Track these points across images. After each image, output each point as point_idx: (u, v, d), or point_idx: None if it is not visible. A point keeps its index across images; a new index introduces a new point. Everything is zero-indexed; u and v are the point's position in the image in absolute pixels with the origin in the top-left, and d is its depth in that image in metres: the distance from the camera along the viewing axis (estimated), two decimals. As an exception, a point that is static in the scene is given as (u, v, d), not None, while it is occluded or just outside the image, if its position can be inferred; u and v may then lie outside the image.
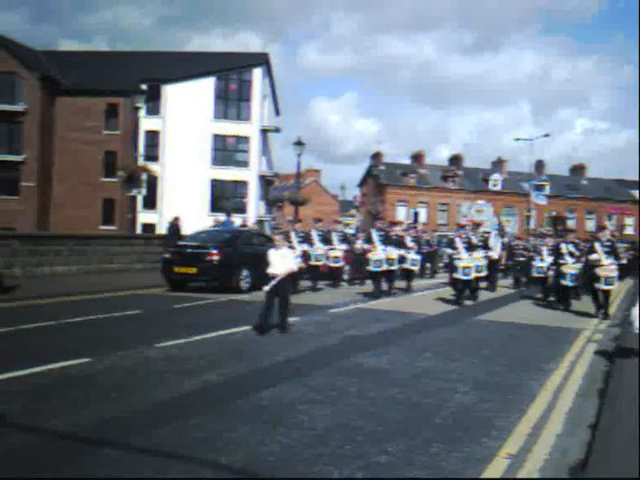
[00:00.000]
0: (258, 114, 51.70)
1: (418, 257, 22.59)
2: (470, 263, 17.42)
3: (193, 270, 17.88)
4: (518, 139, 62.71)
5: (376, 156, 77.43)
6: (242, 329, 12.26)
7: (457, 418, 7.08)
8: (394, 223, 22.23)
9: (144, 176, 45.18)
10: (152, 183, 47.99)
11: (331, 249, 20.68)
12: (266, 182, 55.76)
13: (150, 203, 49.53)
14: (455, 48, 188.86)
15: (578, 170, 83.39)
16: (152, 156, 49.86)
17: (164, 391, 7.63)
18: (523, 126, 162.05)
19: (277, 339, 11.45)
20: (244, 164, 51.51)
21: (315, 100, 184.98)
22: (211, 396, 7.61)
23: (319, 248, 20.17)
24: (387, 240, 18.98)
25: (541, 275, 19.95)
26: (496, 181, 75.94)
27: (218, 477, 5.22)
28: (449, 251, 18.66)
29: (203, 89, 50.49)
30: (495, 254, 22.44)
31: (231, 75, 51.97)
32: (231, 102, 52.01)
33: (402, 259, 20.40)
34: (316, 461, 5.59)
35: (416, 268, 22.66)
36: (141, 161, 47.98)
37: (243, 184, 51.43)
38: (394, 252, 19.10)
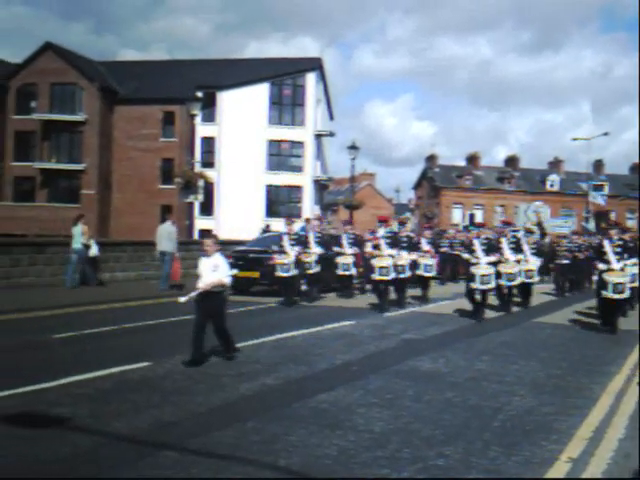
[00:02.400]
0: (312, 119, 51.84)
1: (433, 261, 19.10)
2: (488, 270, 14.67)
3: (255, 274, 18.05)
4: (576, 139, 61.45)
5: (431, 158, 76.89)
6: (299, 332, 12.32)
7: (516, 421, 6.99)
8: (403, 223, 19.89)
9: (201, 182, 45.76)
10: (208, 189, 48.54)
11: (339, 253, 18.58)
12: (320, 186, 55.86)
13: (207, 209, 50.11)
14: (513, 48, 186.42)
15: (638, 169, 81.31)
16: (208, 162, 50.43)
17: (221, 394, 7.72)
18: (583, 125, 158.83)
19: (333, 343, 11.46)
20: (299, 169, 51.70)
21: (370, 103, 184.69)
22: (268, 399, 7.67)
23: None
24: (396, 243, 16.30)
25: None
26: (553, 182, 74.65)
27: (276, 479, 5.25)
28: (465, 256, 15.75)
29: (257, 95, 50.87)
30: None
31: (285, 80, 52.25)
32: (285, 107, 52.30)
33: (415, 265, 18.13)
34: (373, 464, 5.58)
35: (430, 274, 18.98)
36: (197, 168, 48.60)
37: (298, 189, 51.63)
38: (405, 257, 16.60)
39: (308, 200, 51.78)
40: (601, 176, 70.24)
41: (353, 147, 36.12)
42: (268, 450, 5.83)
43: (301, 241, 17.38)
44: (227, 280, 9.48)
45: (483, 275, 14.60)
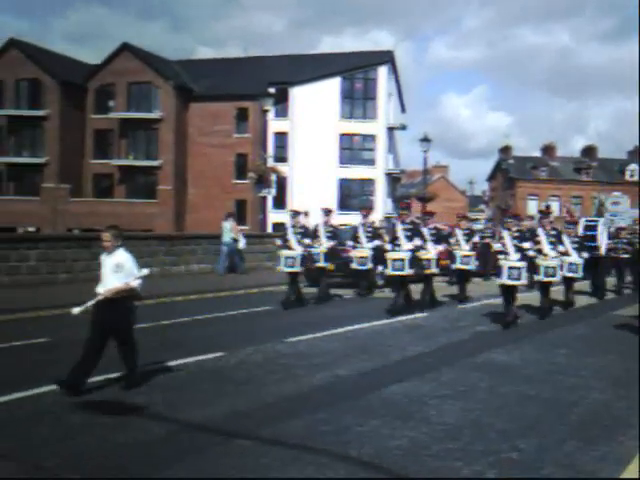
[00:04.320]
0: (384, 112, 51.60)
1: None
2: (517, 263, 12.52)
3: (330, 266, 18.07)
4: (658, 127, 59.46)
5: (505, 150, 75.66)
6: (372, 324, 12.30)
7: (593, 416, 6.83)
8: (429, 213, 16.81)
9: (274, 177, 46.02)
10: (281, 184, 48.84)
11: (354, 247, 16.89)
12: (393, 179, 55.60)
13: (280, 203, 50.48)
14: (593, 36, 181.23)
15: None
16: (281, 157, 50.74)
17: (293, 385, 7.77)
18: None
19: (406, 334, 11.40)
20: (371, 162, 51.55)
21: (445, 95, 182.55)
22: (340, 390, 7.68)
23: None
24: (415, 235, 14.03)
25: None
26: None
27: (347, 469, 5.25)
28: (497, 246, 13.68)
29: (329, 89, 50.92)
30: (602, 249, 18.75)
31: (356, 74, 52.13)
32: (357, 101, 52.20)
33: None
34: (445, 456, 5.53)
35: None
36: (270, 162, 48.91)
37: (370, 182, 51.49)
38: (431, 250, 14.77)
39: (380, 193, 51.60)
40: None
41: (425, 139, 35.83)
42: (339, 441, 5.84)
43: (376, 234, 16.95)
44: (136, 283, 7.51)
45: (511, 267, 12.60)
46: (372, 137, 51.64)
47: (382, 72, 51.73)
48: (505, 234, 12.94)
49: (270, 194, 47.19)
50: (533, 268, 14.00)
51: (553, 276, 13.76)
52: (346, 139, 51.52)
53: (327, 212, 16.47)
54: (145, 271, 7.61)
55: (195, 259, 22.73)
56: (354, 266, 16.80)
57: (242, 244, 22.81)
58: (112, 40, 63.29)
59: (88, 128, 50.72)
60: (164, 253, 21.48)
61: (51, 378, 7.22)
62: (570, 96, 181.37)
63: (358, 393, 7.49)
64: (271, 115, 51.42)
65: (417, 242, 13.81)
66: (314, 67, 51.26)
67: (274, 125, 51.38)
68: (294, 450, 5.59)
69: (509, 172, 73.26)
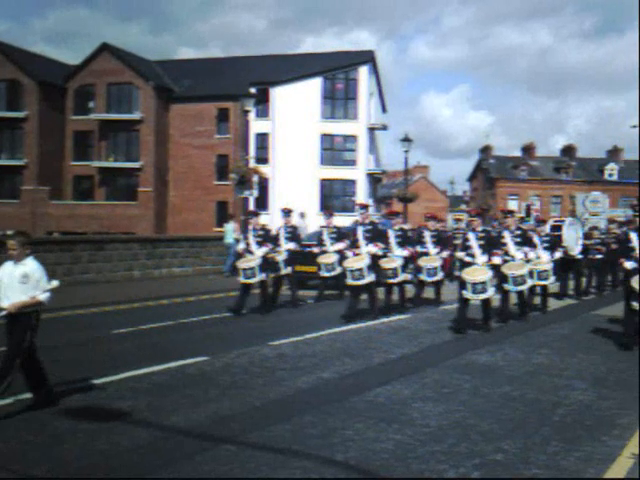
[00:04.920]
0: (365, 112, 51.68)
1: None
2: (481, 276, 11.61)
3: (312, 268, 18.01)
4: (635, 126, 59.91)
5: (485, 149, 76.01)
6: (355, 327, 12.32)
7: (576, 416, 6.88)
8: (394, 213, 15.79)
9: (255, 178, 45.95)
10: (263, 185, 48.74)
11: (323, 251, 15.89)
12: (374, 180, 55.70)
13: (262, 204, 50.44)
14: (574, 34, 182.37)
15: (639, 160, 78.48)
16: (262, 158, 50.68)
17: (279, 388, 7.78)
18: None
19: (389, 336, 11.44)
20: (352, 163, 51.61)
21: (425, 95, 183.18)
22: (325, 393, 7.70)
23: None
24: (378, 237, 13.70)
25: None
26: (612, 171, 73.01)
27: (333, 473, 5.26)
28: (458, 254, 13.08)
29: (310, 90, 50.92)
30: (575, 250, 17.69)
31: (337, 74, 52.17)
32: (338, 101, 52.23)
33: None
34: (430, 459, 5.56)
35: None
36: (252, 163, 48.85)
37: (351, 182, 51.55)
38: (396, 256, 13.89)
39: (362, 194, 51.67)
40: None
41: (406, 139, 35.91)
42: (325, 444, 5.86)
43: (341, 236, 15.49)
44: (44, 297, 6.78)
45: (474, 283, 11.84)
46: (353, 137, 51.68)
47: (363, 72, 51.80)
48: (471, 236, 12.22)
49: (252, 195, 47.14)
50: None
51: (522, 284, 12.98)
52: (327, 139, 51.54)
53: (287, 213, 15.61)
54: (55, 283, 6.95)
55: (177, 262, 22.68)
56: (322, 274, 15.62)
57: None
58: (92, 40, 62.98)
59: (68, 129, 50.33)
60: (146, 256, 21.41)
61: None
62: (550, 95, 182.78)
63: (343, 396, 7.51)
64: (252, 115, 51.40)
65: (372, 249, 13.14)
66: (295, 67, 51.23)
67: (255, 126, 51.31)
68: (281, 454, 5.60)
69: (489, 172, 73.62)
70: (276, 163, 50.69)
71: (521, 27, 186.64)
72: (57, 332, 11.50)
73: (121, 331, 11.56)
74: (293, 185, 49.24)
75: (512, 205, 67.26)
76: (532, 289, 14.62)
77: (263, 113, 51.43)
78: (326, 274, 15.51)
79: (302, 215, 16.25)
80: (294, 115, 50.09)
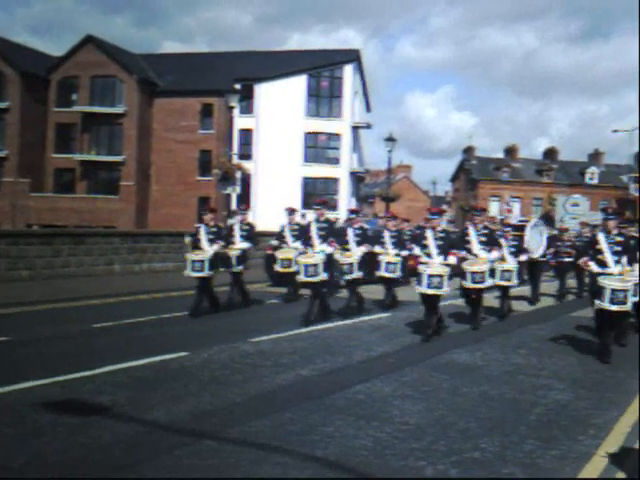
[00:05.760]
0: (349, 111, 51.75)
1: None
2: (439, 270, 11.08)
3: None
4: (617, 130, 60.41)
5: (468, 150, 76.37)
6: (335, 324, 12.37)
7: (553, 415, 6.97)
8: (354, 212, 15.49)
9: (238, 174, 45.97)
10: (246, 181, 48.74)
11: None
12: (357, 179, 55.79)
13: (244, 201, 50.37)
14: (559, 38, 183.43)
15: (637, 161, 79.14)
16: (246, 154, 50.64)
17: (259, 385, 7.81)
18: (628, 117, 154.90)
19: (369, 335, 11.50)
20: (335, 161, 51.67)
21: (410, 95, 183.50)
22: (305, 390, 7.74)
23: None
24: (335, 234, 13.44)
25: None
26: (593, 174, 73.61)
27: (313, 469, 5.30)
28: (416, 250, 11.98)
29: (295, 87, 50.91)
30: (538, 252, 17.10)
31: (323, 72, 52.22)
32: (322, 99, 52.27)
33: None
34: (409, 456, 5.62)
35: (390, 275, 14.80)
36: (235, 159, 48.82)
37: (334, 181, 51.61)
38: (354, 253, 13.66)
39: (345, 192, 51.75)
40: (642, 168, 68.92)
41: (390, 139, 36.05)
42: (305, 440, 5.89)
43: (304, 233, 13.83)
44: None
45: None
46: (337, 136, 51.75)
47: (348, 71, 51.86)
48: (429, 234, 11.59)
49: (235, 191, 47.18)
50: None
51: (481, 282, 12.31)
52: (311, 137, 51.57)
53: (291, 212, 15.71)
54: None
55: (158, 257, 22.61)
56: (277, 269, 15.22)
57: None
58: (76, 32, 62.55)
59: (50, 121, 49.90)
60: (127, 250, 21.34)
61: (13, 377, 7.16)
62: (535, 97, 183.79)
63: (323, 393, 7.55)
64: (236, 112, 51.31)
65: (326, 247, 12.60)
66: (280, 64, 51.18)
67: (239, 122, 51.26)
68: (261, 450, 5.63)
69: (472, 173, 73.96)
70: (259, 160, 50.67)
71: (508, 29, 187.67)
72: (38, 326, 11.49)
73: (102, 325, 11.54)
74: (276, 182, 49.23)
75: (493, 206, 67.68)
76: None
77: (247, 109, 51.42)
78: (280, 269, 15.09)
79: (303, 215, 16.03)
80: (278, 112, 50.07)
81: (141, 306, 14.46)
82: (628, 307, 9.79)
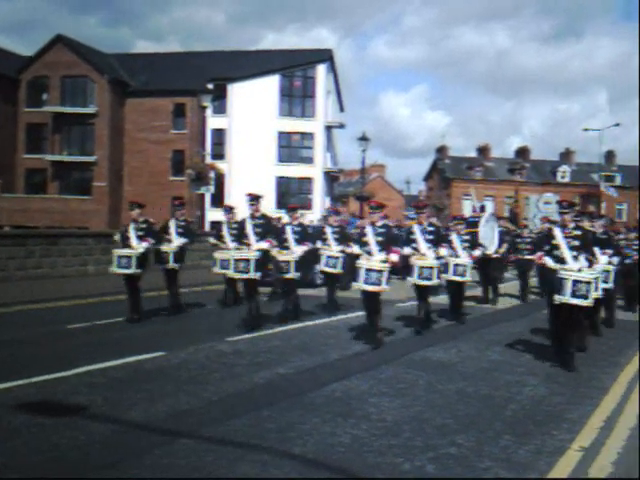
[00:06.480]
0: (322, 110, 51.83)
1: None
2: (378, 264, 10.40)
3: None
4: (587, 129, 61.07)
5: (441, 150, 76.81)
6: (312, 323, 12.40)
7: (527, 411, 7.05)
8: (293, 209, 14.47)
9: (212, 174, 45.84)
10: (219, 181, 48.62)
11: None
12: (331, 178, 55.88)
13: (218, 201, 50.22)
14: (532, 37, 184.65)
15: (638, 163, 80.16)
16: (219, 154, 50.53)
17: (236, 383, 7.81)
18: (599, 116, 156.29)
19: (345, 333, 11.53)
20: (309, 160, 51.72)
21: (384, 94, 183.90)
22: (282, 388, 7.75)
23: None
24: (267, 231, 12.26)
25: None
26: (564, 173, 74.41)
27: (292, 467, 5.33)
28: (355, 248, 11.55)
29: (268, 87, 50.88)
30: (491, 249, 16.53)
31: (295, 72, 52.24)
32: (296, 99, 52.30)
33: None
34: (386, 452, 5.66)
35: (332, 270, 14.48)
36: (208, 159, 48.67)
37: (308, 181, 51.65)
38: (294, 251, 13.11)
39: (319, 192, 51.81)
40: (613, 167, 69.84)
41: (364, 138, 36.13)
42: (283, 438, 5.91)
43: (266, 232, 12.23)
44: None
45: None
46: (310, 135, 51.80)
47: (321, 70, 51.94)
48: (369, 230, 10.88)
49: (208, 191, 47.07)
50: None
51: (429, 279, 11.58)
52: (284, 137, 51.57)
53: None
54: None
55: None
56: (216, 270, 14.82)
57: None
58: (46, 31, 61.89)
59: (20, 122, 49.36)
60: (100, 251, 21.19)
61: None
62: (508, 97, 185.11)
63: (300, 391, 7.57)
64: (209, 112, 51.15)
65: (262, 245, 11.84)
66: (253, 64, 51.13)
67: (212, 122, 51.12)
68: (239, 448, 5.64)
69: (445, 172, 74.40)
70: (233, 159, 50.58)
71: (481, 28, 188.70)
72: (12, 327, 11.39)
73: (77, 326, 11.46)
74: (250, 182, 49.01)
75: (466, 205, 68.13)
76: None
77: (220, 109, 51.30)
78: (219, 271, 14.63)
79: (302, 215, 15.66)
80: (251, 112, 50.01)
81: (116, 307, 14.34)
82: (590, 302, 8.98)
